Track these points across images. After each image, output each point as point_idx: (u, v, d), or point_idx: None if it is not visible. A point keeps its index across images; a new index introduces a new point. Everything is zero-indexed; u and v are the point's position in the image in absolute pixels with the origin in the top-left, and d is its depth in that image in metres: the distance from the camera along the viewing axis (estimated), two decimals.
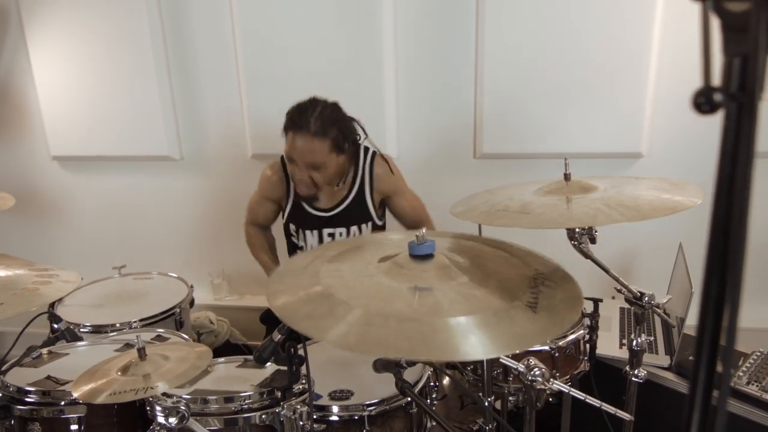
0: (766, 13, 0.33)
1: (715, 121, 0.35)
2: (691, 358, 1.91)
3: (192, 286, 2.23)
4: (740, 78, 0.35)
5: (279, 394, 1.20)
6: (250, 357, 1.36)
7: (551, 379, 1.11)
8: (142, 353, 1.10)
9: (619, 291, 1.43)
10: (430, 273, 0.99)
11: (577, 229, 1.19)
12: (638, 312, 1.41)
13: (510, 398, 1.78)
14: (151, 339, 1.73)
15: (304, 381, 1.26)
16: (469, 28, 2.34)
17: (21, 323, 1.67)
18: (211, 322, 2.56)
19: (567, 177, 1.22)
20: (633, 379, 1.48)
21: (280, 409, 1.17)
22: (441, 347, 0.83)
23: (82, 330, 1.90)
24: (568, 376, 1.75)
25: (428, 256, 0.99)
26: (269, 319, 2.19)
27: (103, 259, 2.41)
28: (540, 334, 0.82)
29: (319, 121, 1.77)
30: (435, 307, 0.90)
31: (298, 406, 1.16)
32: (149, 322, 1.96)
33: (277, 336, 1.19)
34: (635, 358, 1.46)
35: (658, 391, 1.86)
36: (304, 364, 1.16)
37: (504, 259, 1.02)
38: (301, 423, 1.15)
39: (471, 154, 2.51)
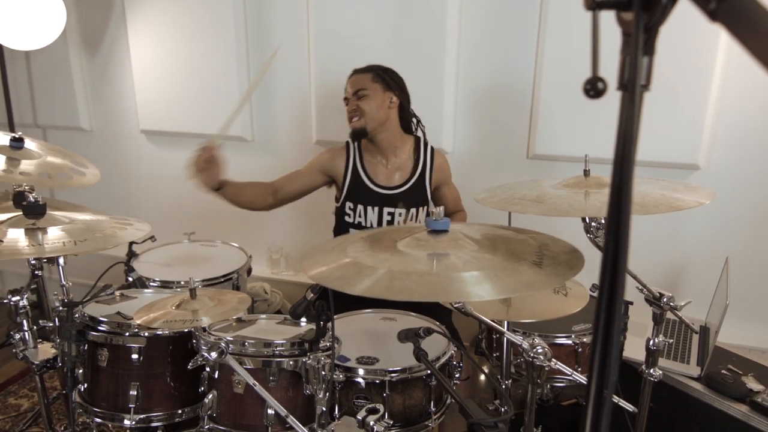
0: (642, 22, 0.43)
1: None
2: (723, 371, 1.91)
3: (251, 256, 2.42)
4: (629, 72, 0.46)
5: (307, 345, 1.35)
6: (289, 317, 1.53)
7: (553, 360, 1.20)
8: (193, 293, 1.29)
9: (640, 290, 1.48)
10: (446, 244, 1.11)
11: (592, 223, 1.27)
12: (656, 312, 1.45)
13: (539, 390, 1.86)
14: None
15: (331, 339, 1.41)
16: (532, 30, 2.41)
17: (98, 275, 1.92)
18: (266, 292, 2.77)
19: (586, 173, 1.29)
20: (648, 377, 1.53)
21: (306, 358, 1.32)
22: (457, 291, 0.96)
23: (151, 284, 2.13)
24: None
25: (443, 231, 1.11)
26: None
27: (176, 225, 2.67)
28: (544, 281, 0.93)
29: (366, 66, 2.15)
30: (451, 266, 1.02)
31: (322, 358, 1.31)
32: (209, 284, 2.16)
33: (309, 295, 1.34)
34: (651, 357, 1.50)
35: (685, 401, 1.88)
36: (331, 322, 1.31)
37: (513, 236, 1.12)
38: (323, 373, 1.30)
39: (524, 154, 2.58)
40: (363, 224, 2.20)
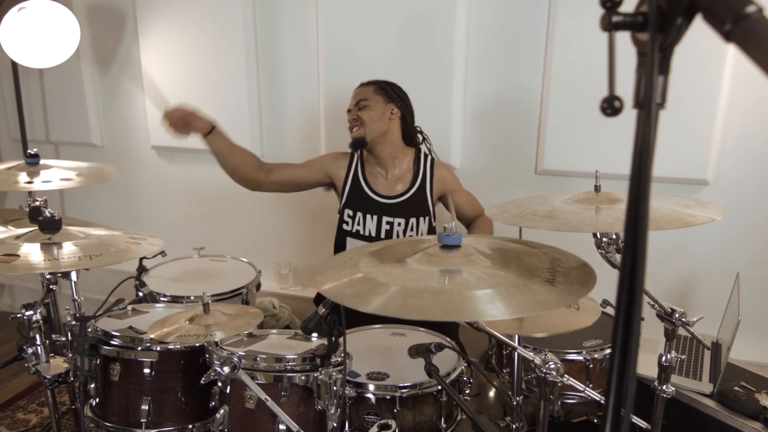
0: (658, 42, 0.44)
1: None
2: (736, 388, 1.89)
3: (260, 271, 2.43)
4: (645, 91, 0.46)
5: (318, 361, 1.35)
6: (300, 332, 1.53)
7: (565, 375, 1.19)
8: (206, 308, 1.30)
9: (652, 306, 1.47)
10: (458, 259, 1.11)
11: (604, 239, 1.27)
12: (668, 328, 1.45)
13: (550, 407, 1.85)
14: None
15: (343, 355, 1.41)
16: (539, 45, 2.43)
17: (108, 290, 1.93)
18: (274, 307, 2.77)
19: (597, 188, 1.30)
20: (661, 394, 1.52)
21: (318, 374, 1.33)
22: (470, 310, 0.96)
23: (162, 299, 2.14)
24: (602, 389, 1.79)
25: (455, 246, 1.12)
26: (322, 300, 2.37)
27: (186, 240, 2.68)
28: (557, 300, 0.93)
29: (371, 80, 2.22)
30: (464, 283, 1.02)
31: (334, 374, 1.31)
32: (219, 299, 2.16)
33: (321, 310, 1.35)
34: (664, 373, 1.49)
35: (698, 418, 1.86)
36: (343, 337, 1.31)
37: (524, 250, 1.13)
38: (334, 388, 1.30)
39: (532, 169, 2.58)
40: (361, 233, 2.21)
